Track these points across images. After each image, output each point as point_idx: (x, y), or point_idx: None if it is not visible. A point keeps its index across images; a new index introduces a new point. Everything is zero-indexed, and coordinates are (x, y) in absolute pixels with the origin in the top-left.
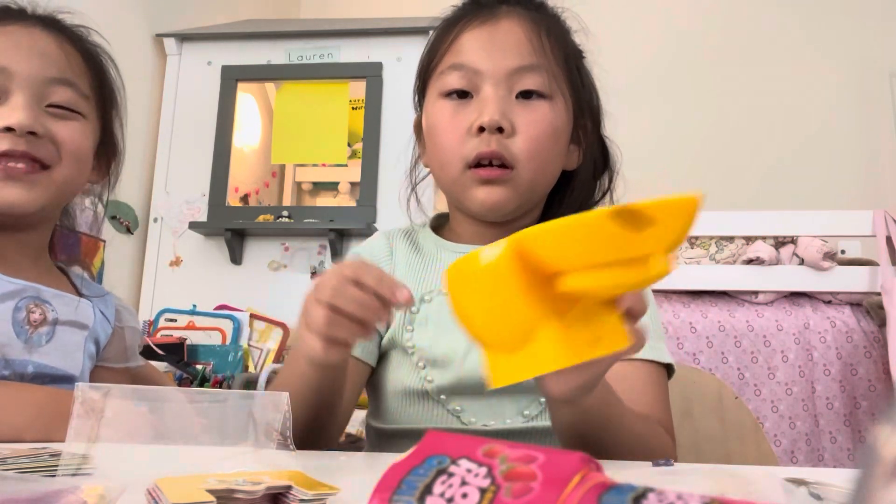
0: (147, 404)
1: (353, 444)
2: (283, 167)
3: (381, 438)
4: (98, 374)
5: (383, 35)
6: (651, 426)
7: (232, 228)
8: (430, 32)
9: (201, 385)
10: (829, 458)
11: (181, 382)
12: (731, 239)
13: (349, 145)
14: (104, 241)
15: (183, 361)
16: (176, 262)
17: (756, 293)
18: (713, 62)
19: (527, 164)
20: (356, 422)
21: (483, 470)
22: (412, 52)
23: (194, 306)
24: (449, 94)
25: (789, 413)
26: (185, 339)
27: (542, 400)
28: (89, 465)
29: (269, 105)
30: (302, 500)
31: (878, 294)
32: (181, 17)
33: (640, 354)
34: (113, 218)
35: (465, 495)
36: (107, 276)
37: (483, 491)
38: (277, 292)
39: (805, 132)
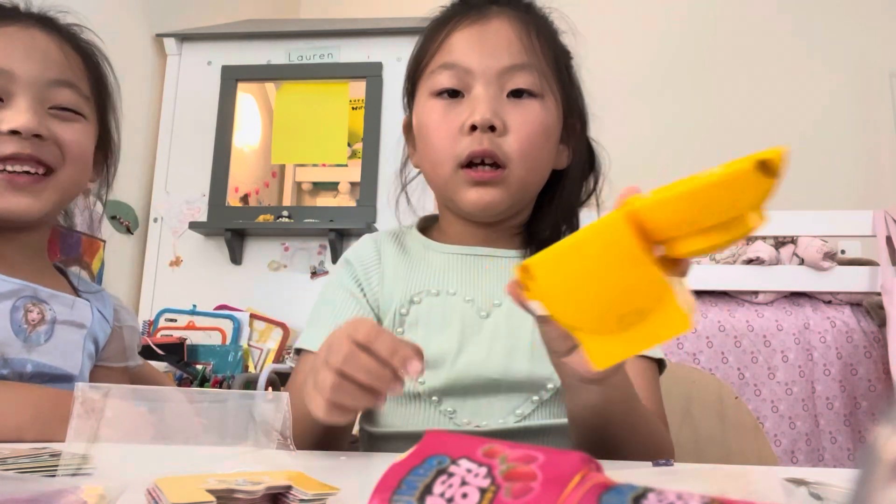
0: (147, 404)
1: (353, 444)
2: (283, 167)
3: (374, 442)
4: (97, 373)
5: (383, 35)
6: (655, 416)
7: (232, 228)
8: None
9: (201, 385)
10: (829, 458)
11: (181, 382)
12: None
13: (349, 145)
14: (104, 241)
15: (183, 361)
16: (176, 262)
17: (756, 293)
18: (713, 62)
19: (519, 163)
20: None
21: (483, 470)
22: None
23: (194, 306)
24: (440, 94)
25: (789, 413)
26: (185, 339)
27: (535, 399)
28: (89, 465)
29: (269, 105)
30: (302, 500)
31: (878, 294)
32: (181, 17)
33: None
34: (113, 218)
35: (465, 495)
36: (107, 276)
37: (483, 491)
38: (277, 292)
39: (805, 132)
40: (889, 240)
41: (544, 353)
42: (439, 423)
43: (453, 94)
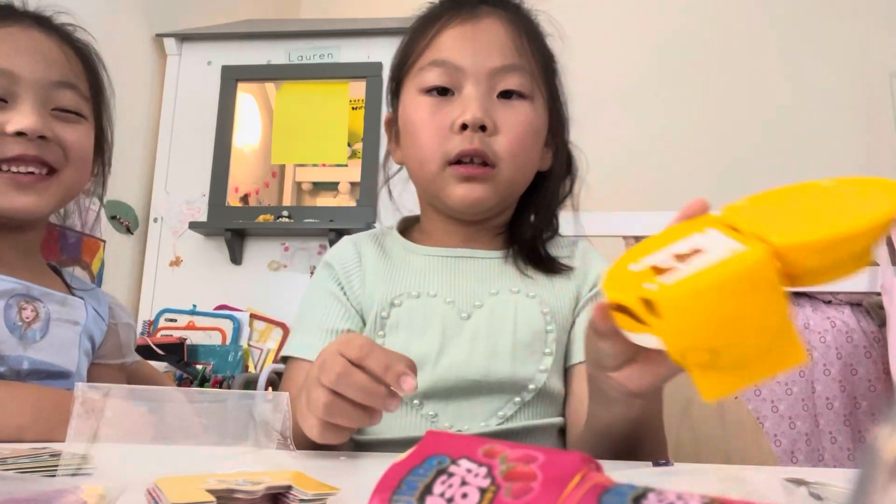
0: (147, 404)
1: None
2: (283, 167)
3: (358, 450)
4: (94, 371)
5: (383, 35)
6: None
7: (232, 228)
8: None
9: (201, 385)
10: (829, 458)
11: (181, 382)
12: None
13: (349, 145)
14: (104, 242)
15: (183, 361)
16: (176, 262)
17: None
18: (713, 62)
19: (508, 163)
20: None
21: (483, 470)
22: None
23: (194, 306)
24: (429, 91)
25: (789, 413)
26: (185, 339)
27: (517, 400)
28: (89, 465)
29: (269, 105)
30: (302, 500)
31: (878, 294)
32: (181, 17)
33: None
34: (113, 218)
35: (465, 495)
36: (107, 276)
37: (483, 491)
38: (277, 292)
39: (805, 132)
40: (889, 240)
41: (526, 353)
42: (421, 429)
43: (443, 91)
